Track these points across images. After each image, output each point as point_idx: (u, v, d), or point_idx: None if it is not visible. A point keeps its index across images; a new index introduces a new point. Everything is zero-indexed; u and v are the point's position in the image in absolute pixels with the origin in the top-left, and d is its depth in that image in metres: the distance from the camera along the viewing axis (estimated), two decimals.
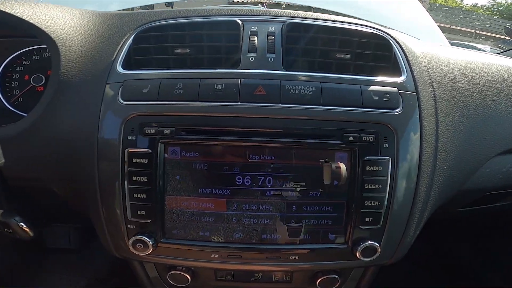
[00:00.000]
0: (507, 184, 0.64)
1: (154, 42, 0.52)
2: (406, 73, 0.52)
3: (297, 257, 0.50)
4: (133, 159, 0.48)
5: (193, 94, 0.48)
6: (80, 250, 1.04)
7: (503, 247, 0.98)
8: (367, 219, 0.48)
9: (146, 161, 0.47)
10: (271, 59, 0.51)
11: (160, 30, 0.54)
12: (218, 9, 0.60)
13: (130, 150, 0.48)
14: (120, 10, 0.71)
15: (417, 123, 0.50)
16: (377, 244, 0.48)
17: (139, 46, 0.52)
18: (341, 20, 0.58)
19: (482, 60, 0.64)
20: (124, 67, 0.51)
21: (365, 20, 0.62)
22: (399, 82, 0.51)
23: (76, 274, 1.03)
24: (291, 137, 0.48)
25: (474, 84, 0.58)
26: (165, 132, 0.47)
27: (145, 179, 0.47)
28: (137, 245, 0.49)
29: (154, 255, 0.51)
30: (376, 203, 0.48)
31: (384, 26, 0.60)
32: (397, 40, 0.56)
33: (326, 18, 0.57)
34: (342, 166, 0.47)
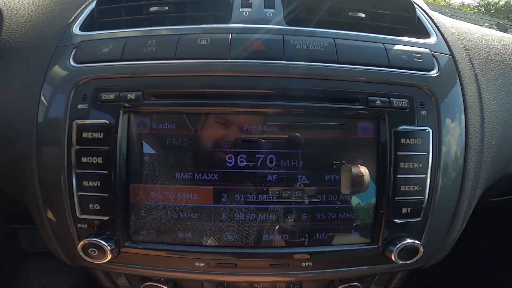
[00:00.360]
0: None
1: (124, 1, 0.44)
2: (436, 35, 0.45)
3: (310, 264, 0.37)
4: (83, 133, 0.35)
5: (168, 51, 0.38)
6: None
7: None
8: (404, 210, 0.36)
9: (101, 136, 0.35)
10: (269, 14, 0.42)
11: None
12: None
13: (80, 122, 0.35)
14: None
15: (458, 88, 0.41)
16: (418, 242, 0.36)
17: (104, 7, 0.44)
18: None
19: (503, 34, 0.59)
20: (83, 29, 0.43)
21: None
22: (430, 43, 0.44)
23: (57, 279, 0.95)
24: (299, 100, 0.36)
25: (509, 53, 0.52)
26: (129, 97, 0.35)
27: (100, 160, 0.35)
28: (89, 251, 0.35)
29: (116, 264, 0.39)
30: (416, 188, 0.36)
31: None
32: (417, 3, 0.50)
33: None
34: (365, 172, 0.37)
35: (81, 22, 0.43)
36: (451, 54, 0.43)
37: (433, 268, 0.47)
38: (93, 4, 0.45)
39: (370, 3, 0.45)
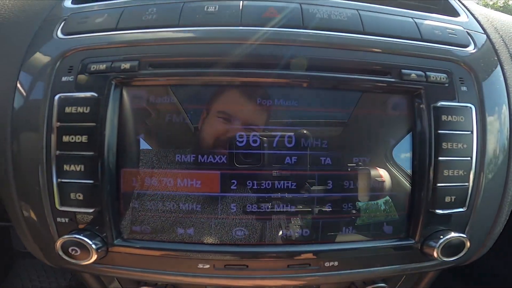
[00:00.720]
0: None
1: None
2: (466, 15, 0.43)
3: (335, 263, 0.31)
4: (66, 108, 0.29)
5: (171, 18, 0.33)
6: None
7: None
8: (447, 199, 0.31)
9: (88, 110, 0.29)
10: None
11: None
12: None
13: (63, 96, 0.29)
14: None
15: (497, 65, 0.38)
16: (464, 236, 0.30)
17: None
18: None
19: None
20: (75, 2, 0.39)
21: None
22: (463, 21, 0.41)
23: (48, 279, 0.92)
24: (324, 71, 0.31)
25: None
26: (122, 68, 0.30)
27: (84, 139, 0.29)
28: (70, 250, 0.29)
29: (104, 265, 0.33)
30: (461, 172, 0.31)
31: None
32: None
33: None
34: (385, 175, 0.32)
35: None
36: (485, 33, 0.40)
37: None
38: None
39: None
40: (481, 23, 0.42)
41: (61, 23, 0.35)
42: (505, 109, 0.34)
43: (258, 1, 0.34)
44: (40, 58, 0.33)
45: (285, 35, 0.32)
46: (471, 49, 0.37)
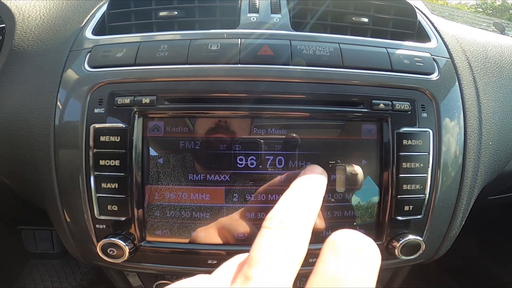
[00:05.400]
0: None
1: (134, 6, 0.46)
2: (436, 39, 0.47)
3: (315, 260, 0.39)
4: (101, 137, 0.36)
5: (180, 56, 0.39)
6: (64, 254, 0.96)
7: None
8: (406, 208, 0.38)
9: (118, 139, 0.36)
10: (276, 19, 0.44)
11: None
12: None
13: (97, 126, 0.36)
14: None
15: (457, 90, 0.43)
16: (420, 239, 0.38)
17: (115, 11, 0.46)
18: None
19: (501, 37, 0.61)
20: (95, 33, 0.44)
21: None
22: (431, 47, 0.45)
23: (60, 280, 0.96)
24: (307, 104, 0.38)
25: (506, 56, 0.54)
26: (143, 102, 0.37)
27: (117, 163, 0.36)
28: (108, 251, 0.37)
29: (133, 263, 0.40)
30: (417, 186, 0.38)
31: None
32: (418, 6, 0.52)
33: None
34: (359, 171, 0.39)
35: (93, 26, 0.45)
36: (451, 57, 0.45)
37: (436, 266, 0.49)
38: (104, 8, 0.47)
39: (372, 7, 0.46)
40: (449, 47, 0.46)
41: (86, 55, 0.40)
42: (460, 130, 0.40)
43: (254, 39, 0.41)
44: (73, 89, 0.39)
45: (277, 72, 0.38)
46: (434, 76, 0.41)
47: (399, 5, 0.47)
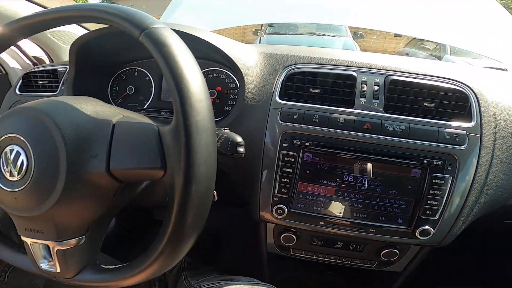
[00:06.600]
0: None
1: (296, 82, 0.75)
2: (475, 120, 0.69)
3: (374, 230, 0.79)
4: (285, 158, 0.81)
5: (324, 123, 0.72)
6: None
7: None
8: (427, 212, 0.76)
9: (292, 160, 0.81)
10: (375, 104, 0.73)
11: (301, 75, 0.83)
12: (342, 60, 0.85)
13: (283, 152, 0.81)
14: (268, 47, 0.90)
15: (476, 156, 0.68)
16: (432, 229, 0.77)
17: (287, 83, 0.75)
18: (431, 74, 0.80)
19: None
20: (280, 97, 0.75)
21: (452, 80, 0.75)
22: (468, 127, 0.68)
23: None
24: (385, 156, 0.77)
25: None
26: (306, 144, 0.80)
27: (290, 170, 0.81)
28: (278, 211, 0.79)
29: (284, 219, 0.77)
30: (436, 203, 0.75)
31: (466, 73, 0.74)
32: (474, 90, 0.72)
33: (420, 72, 0.80)
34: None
35: (278, 91, 0.75)
36: (481, 134, 0.67)
37: (451, 257, 0.81)
38: (282, 79, 0.75)
39: (439, 95, 0.68)
40: (483, 128, 0.67)
41: (279, 113, 0.74)
42: (469, 179, 0.72)
43: (362, 117, 0.74)
44: (274, 132, 0.74)
45: (369, 139, 0.73)
46: (463, 147, 0.66)
47: (457, 94, 0.69)
